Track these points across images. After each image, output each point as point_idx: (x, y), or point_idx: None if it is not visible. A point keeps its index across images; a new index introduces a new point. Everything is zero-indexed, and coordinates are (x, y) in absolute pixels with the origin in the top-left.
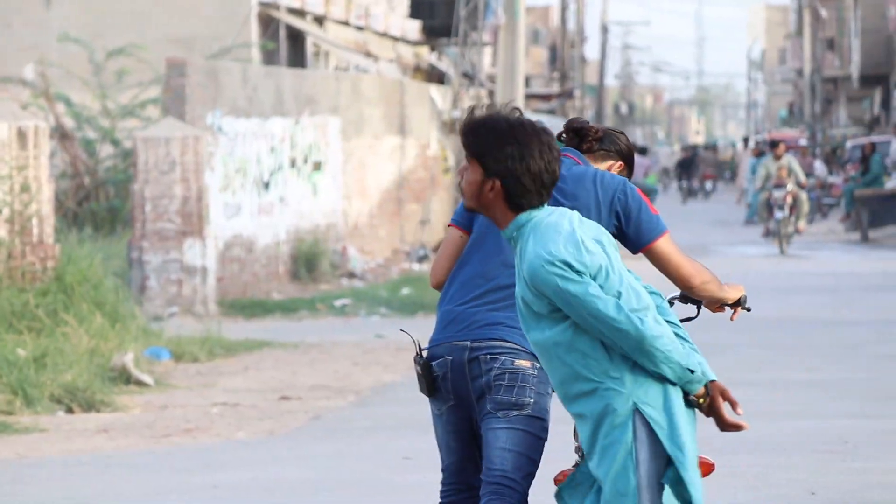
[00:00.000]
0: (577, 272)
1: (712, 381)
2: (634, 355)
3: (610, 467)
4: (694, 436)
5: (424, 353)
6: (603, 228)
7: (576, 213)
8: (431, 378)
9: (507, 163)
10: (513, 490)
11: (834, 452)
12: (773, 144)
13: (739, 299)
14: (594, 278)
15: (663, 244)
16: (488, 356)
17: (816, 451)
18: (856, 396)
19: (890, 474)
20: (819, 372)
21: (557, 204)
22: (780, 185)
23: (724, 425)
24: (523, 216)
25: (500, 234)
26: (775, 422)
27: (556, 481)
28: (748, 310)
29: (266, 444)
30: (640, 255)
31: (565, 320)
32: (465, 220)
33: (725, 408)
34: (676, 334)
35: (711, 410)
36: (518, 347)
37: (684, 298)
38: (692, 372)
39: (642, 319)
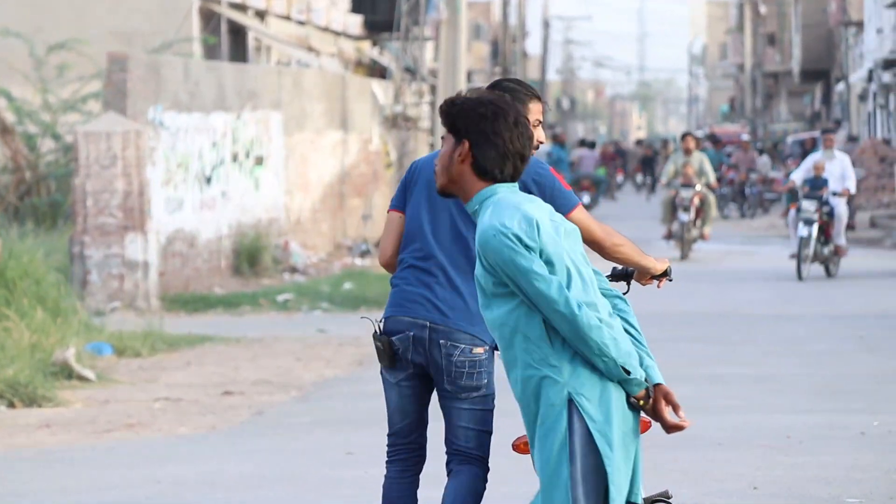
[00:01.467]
0: (526, 247)
1: (657, 385)
2: (573, 342)
3: (544, 456)
4: (631, 436)
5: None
6: (569, 223)
7: (539, 201)
8: (392, 352)
9: (477, 123)
10: (477, 459)
11: (775, 447)
12: (682, 137)
13: (665, 270)
14: (544, 261)
15: (576, 214)
16: (448, 343)
17: (758, 445)
18: (797, 391)
19: (830, 468)
20: (760, 367)
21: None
22: (687, 184)
23: (667, 428)
24: (488, 190)
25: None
26: (717, 417)
27: (515, 447)
28: (671, 280)
29: (208, 440)
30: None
31: (512, 300)
32: (401, 203)
33: (669, 411)
34: (632, 336)
35: (654, 413)
36: (474, 335)
37: (613, 277)
38: (628, 373)
39: (580, 306)
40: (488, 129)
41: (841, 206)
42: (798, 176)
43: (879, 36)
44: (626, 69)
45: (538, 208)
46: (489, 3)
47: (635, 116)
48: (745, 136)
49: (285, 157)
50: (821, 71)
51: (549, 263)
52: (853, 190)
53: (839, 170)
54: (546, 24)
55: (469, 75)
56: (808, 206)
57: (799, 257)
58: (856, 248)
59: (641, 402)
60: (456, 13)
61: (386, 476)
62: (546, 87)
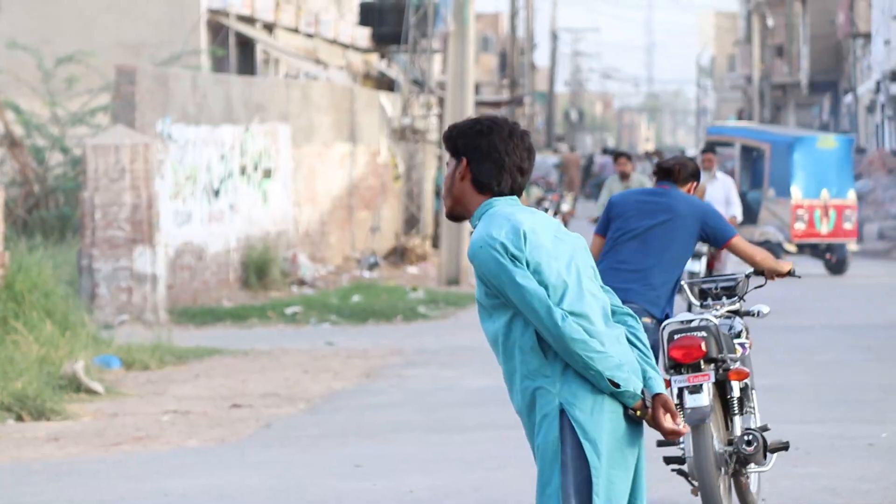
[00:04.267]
0: (512, 256)
1: (657, 395)
2: (561, 354)
3: (539, 466)
4: (627, 446)
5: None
6: (578, 238)
7: (542, 214)
8: None
9: (473, 140)
10: None
11: (783, 458)
12: (616, 157)
13: (790, 270)
14: (530, 264)
15: (735, 241)
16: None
17: None
18: (805, 402)
19: (838, 479)
20: (768, 377)
21: (658, 212)
22: None
23: (665, 434)
24: (486, 204)
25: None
26: None
27: None
28: (799, 276)
29: (216, 452)
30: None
31: (507, 312)
32: (602, 229)
33: (667, 418)
34: (634, 346)
35: (653, 422)
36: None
37: (755, 273)
38: (617, 386)
39: (564, 318)
40: (483, 143)
41: None
42: None
43: (887, 47)
44: (633, 80)
45: (532, 219)
46: (497, 15)
47: (644, 128)
48: None
49: (293, 169)
50: (829, 82)
51: (536, 273)
52: (740, 217)
53: (722, 193)
54: (554, 36)
55: (477, 87)
56: None
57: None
58: (863, 260)
59: (639, 413)
60: (464, 25)
61: None
62: (554, 98)
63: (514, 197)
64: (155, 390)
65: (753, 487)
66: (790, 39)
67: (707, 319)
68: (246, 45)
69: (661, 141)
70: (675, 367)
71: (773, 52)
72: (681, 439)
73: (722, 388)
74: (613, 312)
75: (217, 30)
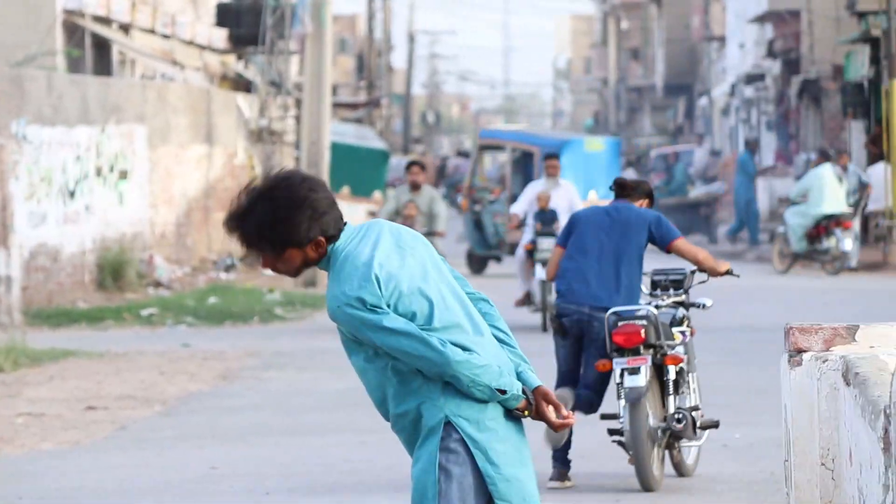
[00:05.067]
0: (372, 307)
1: (536, 388)
2: (444, 378)
3: (415, 476)
4: (521, 445)
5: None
6: (419, 241)
7: (386, 225)
8: (563, 327)
9: (275, 228)
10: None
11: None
12: (407, 166)
13: (728, 269)
14: (391, 303)
15: (678, 243)
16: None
17: (622, 457)
18: None
19: (693, 480)
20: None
21: (613, 226)
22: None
23: (554, 427)
24: (331, 254)
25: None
26: (582, 430)
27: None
28: (737, 276)
29: (72, 455)
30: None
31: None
32: (562, 240)
33: (551, 411)
34: (501, 340)
35: (538, 416)
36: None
37: (699, 270)
38: (503, 392)
39: (443, 343)
40: (279, 227)
41: None
42: (520, 208)
43: (741, 51)
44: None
45: (376, 249)
46: (355, 16)
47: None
48: None
49: (149, 170)
50: (684, 85)
51: (400, 303)
52: None
53: (566, 201)
54: (411, 39)
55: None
56: (545, 244)
57: (544, 304)
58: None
59: (525, 413)
60: (321, 27)
61: None
62: (411, 101)
63: (345, 230)
64: (9, 392)
65: (690, 460)
66: (645, 42)
67: (647, 309)
68: (102, 46)
69: None
70: (617, 350)
71: (628, 56)
72: (620, 414)
73: (660, 371)
74: (470, 299)
75: (73, 30)
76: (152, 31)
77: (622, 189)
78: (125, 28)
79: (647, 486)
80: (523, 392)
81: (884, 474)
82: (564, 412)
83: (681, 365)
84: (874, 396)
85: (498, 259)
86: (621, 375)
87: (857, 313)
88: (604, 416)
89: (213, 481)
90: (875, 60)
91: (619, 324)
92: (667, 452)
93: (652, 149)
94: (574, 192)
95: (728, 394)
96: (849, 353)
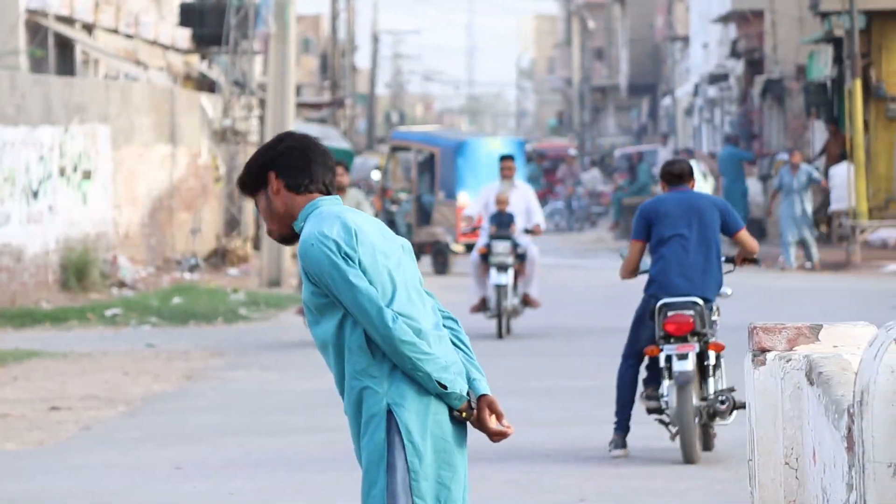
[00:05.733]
0: (345, 255)
1: (482, 396)
2: (390, 355)
3: (364, 467)
4: (454, 449)
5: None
6: (404, 240)
7: (367, 215)
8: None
9: (268, 152)
10: None
11: (603, 459)
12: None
13: (755, 258)
14: (362, 270)
15: (743, 233)
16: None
17: (586, 457)
18: None
19: (657, 479)
20: (588, 380)
21: (691, 214)
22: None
23: (491, 435)
24: (310, 205)
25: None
26: (545, 429)
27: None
28: (757, 263)
29: (36, 455)
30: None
31: (337, 314)
32: (641, 234)
33: (492, 419)
34: (462, 352)
35: (479, 423)
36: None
37: (726, 261)
38: (444, 388)
39: (395, 319)
40: (279, 149)
41: (533, 248)
42: (474, 211)
43: (705, 51)
44: (454, 83)
45: (362, 219)
46: (318, 17)
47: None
48: (572, 151)
49: (113, 170)
50: (648, 85)
51: (366, 272)
52: (544, 226)
53: (523, 203)
54: (375, 39)
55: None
56: (501, 247)
57: (499, 310)
58: None
59: (465, 415)
60: (285, 27)
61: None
62: (375, 100)
63: (337, 197)
64: None
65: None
66: (609, 42)
67: (695, 301)
68: (65, 46)
69: None
70: (666, 337)
71: (592, 55)
72: (664, 394)
73: (700, 356)
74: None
75: (35, 30)
76: (116, 31)
77: (679, 178)
78: (88, 28)
79: (690, 459)
80: (468, 396)
81: (847, 473)
82: (506, 422)
83: (721, 352)
84: (837, 396)
85: None
86: (668, 360)
87: (821, 313)
88: (648, 397)
89: (177, 482)
90: (838, 60)
91: (670, 314)
92: (700, 430)
93: (616, 149)
94: (531, 194)
95: None
96: (812, 353)
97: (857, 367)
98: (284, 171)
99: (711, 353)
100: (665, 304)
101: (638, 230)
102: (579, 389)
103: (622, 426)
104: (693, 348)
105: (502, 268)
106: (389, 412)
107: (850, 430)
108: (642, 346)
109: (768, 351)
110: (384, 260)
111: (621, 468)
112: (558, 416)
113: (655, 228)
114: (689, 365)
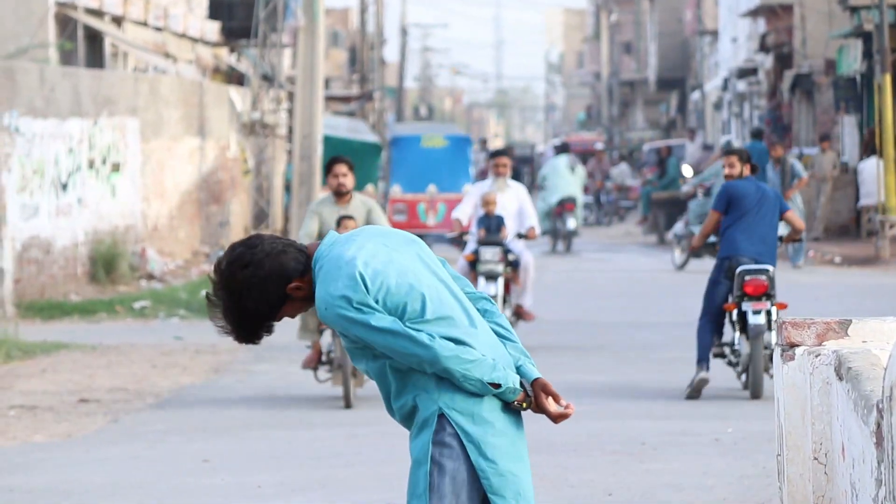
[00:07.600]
0: (358, 306)
1: (535, 380)
2: (437, 372)
3: (411, 466)
4: (517, 439)
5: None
6: (409, 235)
7: (372, 229)
8: (732, 272)
9: (246, 323)
10: None
11: (630, 454)
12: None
13: (800, 237)
14: (379, 299)
15: (790, 213)
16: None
17: (613, 452)
18: (651, 398)
19: (683, 475)
20: (614, 374)
21: (763, 198)
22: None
23: (553, 418)
24: (314, 267)
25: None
26: (572, 424)
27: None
28: (801, 241)
29: (64, 447)
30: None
31: (374, 350)
32: (721, 206)
33: (550, 402)
34: (501, 336)
35: (538, 409)
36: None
37: (794, 239)
38: (497, 386)
39: (431, 338)
40: (242, 285)
41: (527, 255)
42: (463, 213)
43: (734, 45)
44: (483, 77)
45: (361, 250)
46: (347, 10)
47: (493, 124)
48: (600, 145)
49: (142, 163)
50: (676, 79)
51: (388, 298)
52: (539, 229)
53: (515, 205)
54: (404, 32)
55: (327, 82)
56: (489, 254)
57: None
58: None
59: (524, 405)
60: (314, 20)
61: None
62: (404, 94)
63: (331, 234)
64: (1, 385)
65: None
66: (638, 36)
67: (768, 267)
68: (94, 39)
69: (510, 136)
70: (743, 296)
71: (621, 49)
72: (733, 343)
73: (767, 313)
74: (469, 298)
75: (65, 23)
76: (145, 24)
77: (754, 169)
78: (117, 20)
79: (757, 394)
80: (522, 385)
81: (876, 469)
82: (564, 402)
83: (783, 310)
84: (867, 391)
85: None
86: (743, 315)
87: (850, 308)
88: (721, 344)
89: (204, 475)
90: (867, 55)
91: (747, 277)
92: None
93: (644, 143)
94: (525, 195)
95: (716, 389)
96: (841, 348)
97: (886, 362)
98: (275, 276)
99: (774, 310)
100: (744, 270)
101: (718, 203)
102: (603, 384)
103: (704, 362)
104: (766, 306)
105: (491, 277)
106: (441, 415)
107: (879, 425)
108: (718, 303)
109: (797, 346)
110: (403, 277)
111: (647, 464)
112: (583, 410)
113: (734, 204)
114: (762, 319)
